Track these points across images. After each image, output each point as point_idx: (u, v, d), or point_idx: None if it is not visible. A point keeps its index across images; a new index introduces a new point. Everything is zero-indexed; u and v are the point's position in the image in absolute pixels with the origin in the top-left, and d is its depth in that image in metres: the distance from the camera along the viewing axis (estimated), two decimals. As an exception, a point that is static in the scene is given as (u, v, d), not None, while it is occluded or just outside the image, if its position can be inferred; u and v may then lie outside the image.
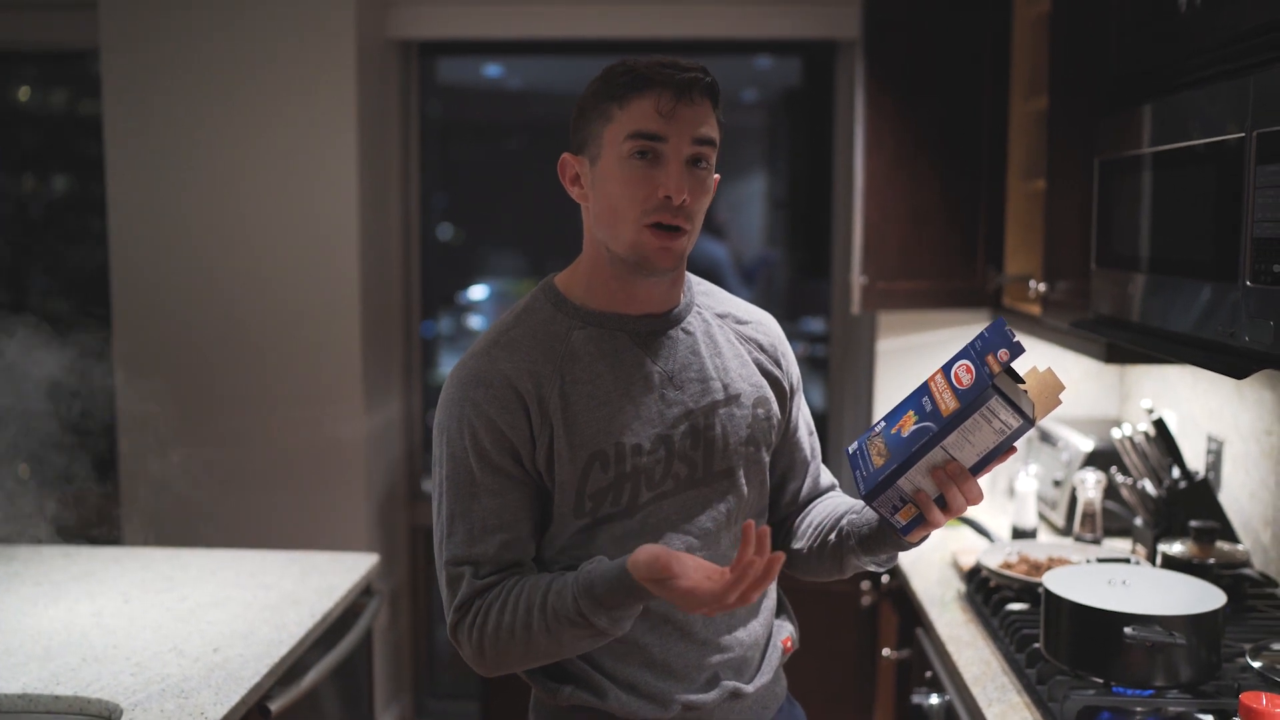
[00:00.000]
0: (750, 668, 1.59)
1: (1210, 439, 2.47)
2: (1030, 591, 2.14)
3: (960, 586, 2.42)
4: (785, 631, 1.66)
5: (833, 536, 1.58)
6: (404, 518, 3.79)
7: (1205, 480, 2.33)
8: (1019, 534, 2.63)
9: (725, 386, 1.55)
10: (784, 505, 1.69)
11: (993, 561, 2.29)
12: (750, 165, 6.83)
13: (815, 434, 1.73)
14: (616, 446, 1.47)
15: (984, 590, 2.28)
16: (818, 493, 1.71)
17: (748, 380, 1.58)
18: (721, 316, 1.62)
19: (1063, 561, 2.27)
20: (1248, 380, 2.30)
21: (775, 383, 1.62)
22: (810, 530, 1.63)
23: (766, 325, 1.67)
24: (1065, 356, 3.13)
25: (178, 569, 2.47)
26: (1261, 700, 1.38)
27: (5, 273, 4.16)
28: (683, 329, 1.56)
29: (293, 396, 3.42)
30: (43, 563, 2.52)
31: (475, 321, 5.93)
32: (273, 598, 2.28)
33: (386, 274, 3.66)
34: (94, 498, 2.82)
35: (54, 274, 4.11)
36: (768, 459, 1.61)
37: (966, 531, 2.81)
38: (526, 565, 1.48)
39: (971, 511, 2.89)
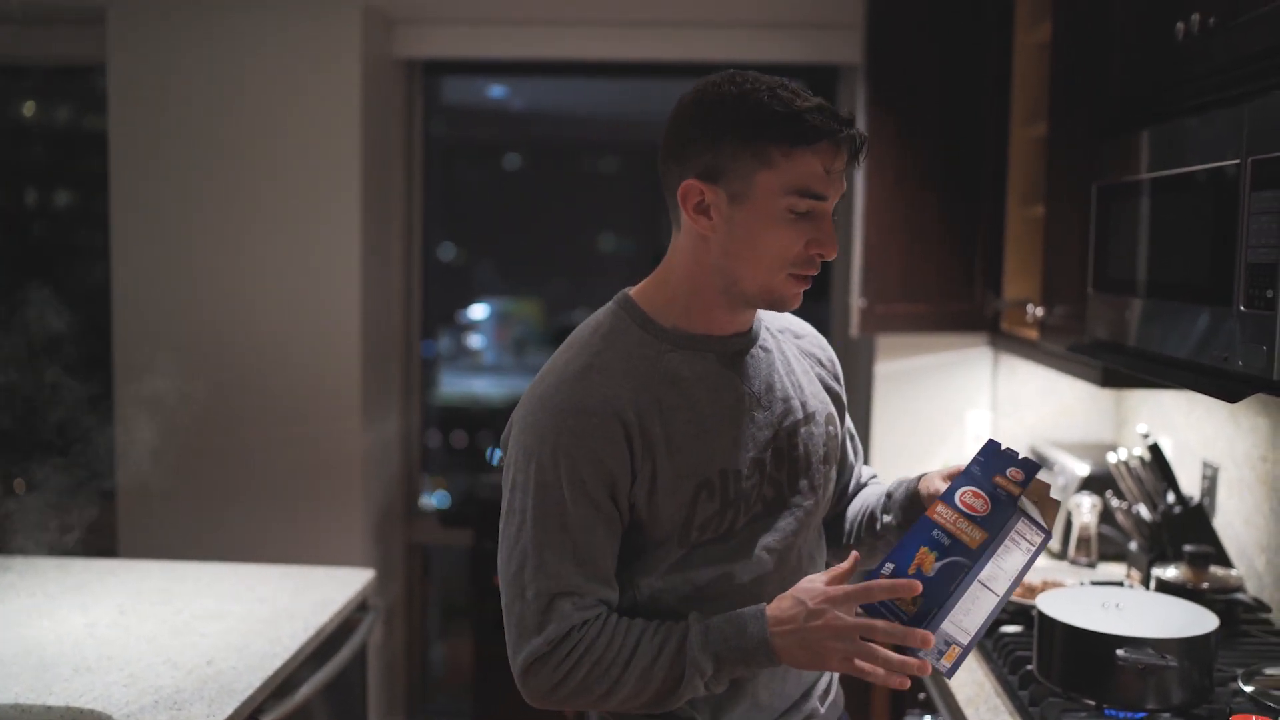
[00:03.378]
0: (823, 687, 1.59)
1: (1205, 464, 2.48)
2: (1024, 614, 2.14)
3: (955, 609, 2.41)
4: None
5: (867, 531, 1.63)
6: (400, 535, 3.79)
7: (1200, 505, 2.33)
8: (1014, 558, 2.63)
9: (803, 405, 1.53)
10: (834, 505, 1.71)
11: (988, 584, 2.29)
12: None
13: (856, 438, 1.75)
14: (721, 474, 1.43)
15: (979, 613, 2.28)
16: (860, 487, 1.74)
17: (817, 397, 1.57)
18: (781, 331, 1.60)
19: (1057, 584, 2.27)
20: (1243, 407, 2.31)
21: (836, 398, 1.61)
22: (851, 524, 1.67)
23: (819, 338, 1.65)
24: (1062, 380, 3.14)
25: (174, 581, 2.47)
26: (1253, 723, 1.39)
27: (6, 287, 4.17)
28: (761, 346, 1.52)
29: (292, 413, 3.43)
30: (37, 574, 2.52)
31: (475, 341, 5.94)
32: (268, 611, 2.28)
33: (387, 293, 3.67)
34: (92, 511, 2.82)
35: (55, 289, 4.12)
36: (835, 476, 1.61)
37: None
38: (612, 602, 1.42)
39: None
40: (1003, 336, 2.96)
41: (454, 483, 4.26)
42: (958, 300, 3.03)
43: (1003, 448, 1.38)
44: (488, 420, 5.87)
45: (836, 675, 1.62)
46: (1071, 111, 2.38)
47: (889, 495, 1.62)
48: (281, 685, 2.04)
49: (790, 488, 1.50)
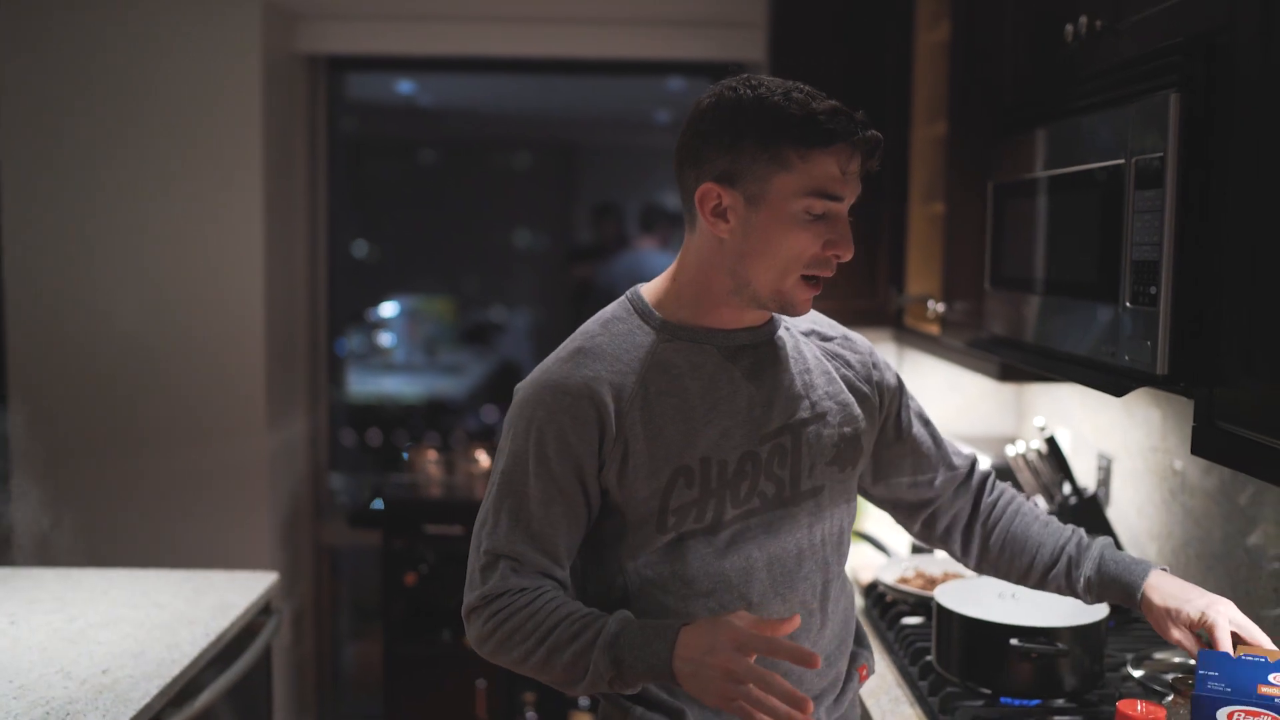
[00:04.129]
0: (831, 696, 1.56)
1: (1100, 456, 2.55)
2: (925, 606, 2.18)
3: (859, 601, 2.45)
4: (862, 659, 1.63)
5: (1054, 571, 1.61)
6: (309, 536, 3.73)
7: (1095, 496, 2.40)
8: (917, 550, 2.67)
9: (813, 404, 1.51)
10: (926, 499, 1.68)
11: (890, 577, 2.33)
12: (662, 185, 6.87)
13: (932, 423, 1.70)
14: (703, 463, 1.44)
15: (881, 605, 2.32)
16: (960, 475, 1.69)
17: (835, 398, 1.54)
18: (807, 334, 1.58)
19: (957, 576, 2.32)
20: (1135, 400, 2.37)
21: (864, 400, 1.57)
22: (1010, 546, 1.64)
23: (854, 341, 1.62)
24: (963, 375, 3.20)
25: (69, 588, 2.41)
26: (1137, 707, 1.42)
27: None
28: (772, 343, 1.52)
29: (195, 413, 3.36)
30: (-75, 583, 2.44)
31: (385, 339, 5.88)
32: (166, 617, 2.23)
33: (293, 291, 3.62)
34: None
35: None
36: (854, 481, 1.58)
37: (866, 547, 2.85)
38: (558, 578, 1.45)
39: (872, 528, 2.93)
40: (906, 332, 3.01)
41: (365, 482, 4.21)
42: (862, 296, 3.07)
43: (1224, 655, 1.36)
44: (402, 418, 5.81)
45: (851, 680, 1.60)
46: (970, 110, 2.43)
47: (1097, 561, 1.59)
48: (181, 692, 1.99)
49: (793, 486, 1.49)
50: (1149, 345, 1.48)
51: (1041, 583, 1.63)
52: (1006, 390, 3.21)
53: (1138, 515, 2.39)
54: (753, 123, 1.38)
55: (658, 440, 1.42)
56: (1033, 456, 2.49)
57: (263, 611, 2.44)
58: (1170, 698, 1.52)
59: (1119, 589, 1.56)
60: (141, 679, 1.93)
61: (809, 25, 3.01)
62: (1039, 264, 1.90)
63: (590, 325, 1.50)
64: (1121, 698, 1.70)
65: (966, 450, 1.76)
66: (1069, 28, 1.78)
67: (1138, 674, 1.81)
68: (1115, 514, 2.47)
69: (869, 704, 1.91)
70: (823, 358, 1.57)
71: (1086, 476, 2.60)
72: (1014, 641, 1.73)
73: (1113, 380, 1.59)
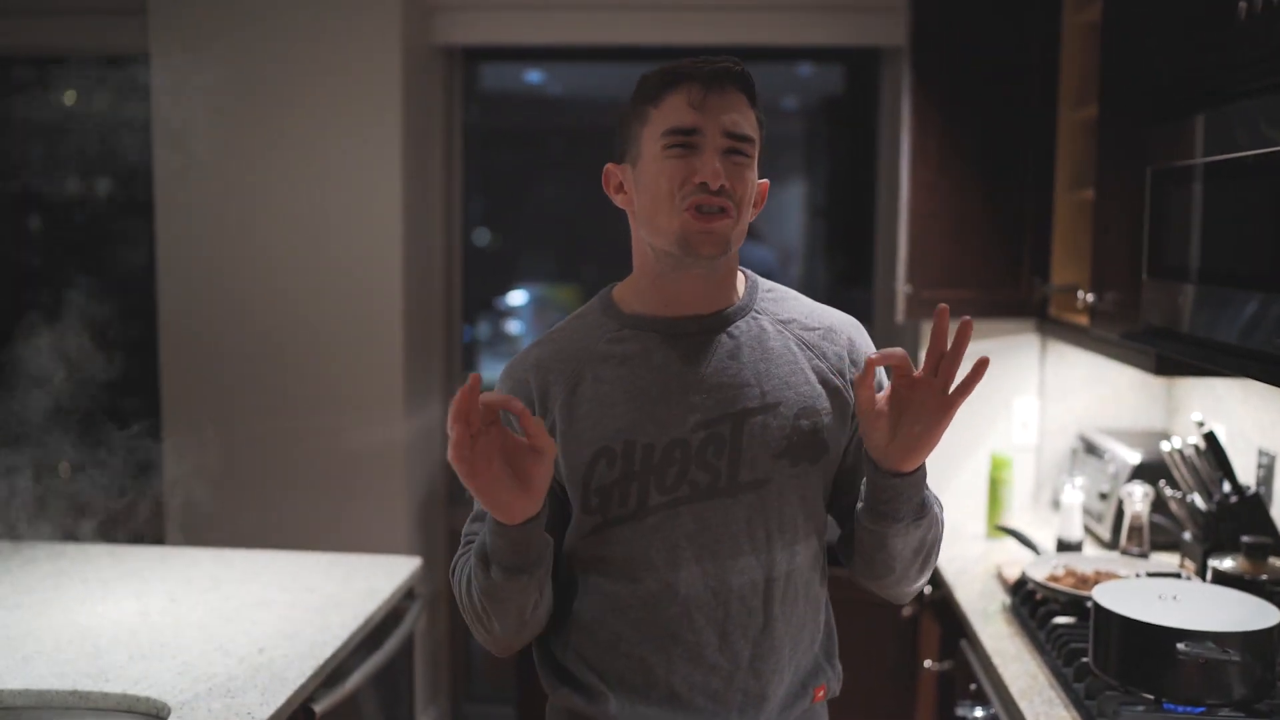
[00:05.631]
0: (766, 706, 1.48)
1: (1261, 453, 2.44)
2: (1077, 605, 2.12)
3: (1005, 599, 2.39)
4: (822, 679, 1.56)
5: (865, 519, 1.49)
6: (443, 522, 3.80)
7: (1257, 495, 2.30)
8: (1064, 547, 2.60)
9: (764, 394, 1.48)
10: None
11: (1039, 574, 2.27)
12: (790, 173, 6.81)
13: None
14: (625, 445, 1.46)
15: (1030, 603, 2.26)
16: None
17: (795, 389, 1.49)
18: (785, 322, 1.55)
19: (1110, 575, 2.24)
20: (1301, 394, 2.27)
21: (835, 394, 1.51)
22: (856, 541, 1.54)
23: (838, 334, 1.56)
24: (1111, 367, 3.10)
25: (222, 568, 2.49)
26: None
27: (52, 276, 4.21)
28: (727, 333, 1.51)
29: (336, 401, 3.44)
30: (89, 561, 2.55)
31: (513, 326, 5.95)
32: (316, 600, 2.29)
33: (428, 279, 3.68)
34: (137, 498, 2.85)
35: (99, 277, 4.16)
36: (819, 475, 1.51)
37: (1011, 543, 2.79)
38: None
39: (1016, 523, 2.86)
40: (1051, 322, 2.92)
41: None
42: (1004, 286, 3.00)
43: None
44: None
45: (804, 698, 1.53)
46: (1122, 94, 2.34)
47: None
48: (332, 674, 2.05)
49: (730, 477, 1.46)
50: (1329, 339, 1.41)
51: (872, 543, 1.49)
52: (1156, 383, 3.10)
53: (1302, 515, 2.29)
54: (630, 100, 1.50)
55: (584, 421, 1.47)
56: (1190, 453, 2.40)
57: (406, 596, 2.49)
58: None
59: (869, 467, 1.46)
60: (296, 659, 1.99)
61: (951, 7, 2.94)
62: (1199, 253, 1.82)
63: (563, 319, 1.60)
64: (1298, 708, 1.63)
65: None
66: (1243, 5, 1.69)
67: (1311, 683, 1.73)
68: (1279, 513, 2.36)
69: (1021, 705, 1.86)
70: (794, 347, 1.53)
71: (1246, 474, 2.49)
72: (1181, 646, 1.66)
73: (1289, 375, 1.52)
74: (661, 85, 1.45)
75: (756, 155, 1.48)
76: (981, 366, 1.39)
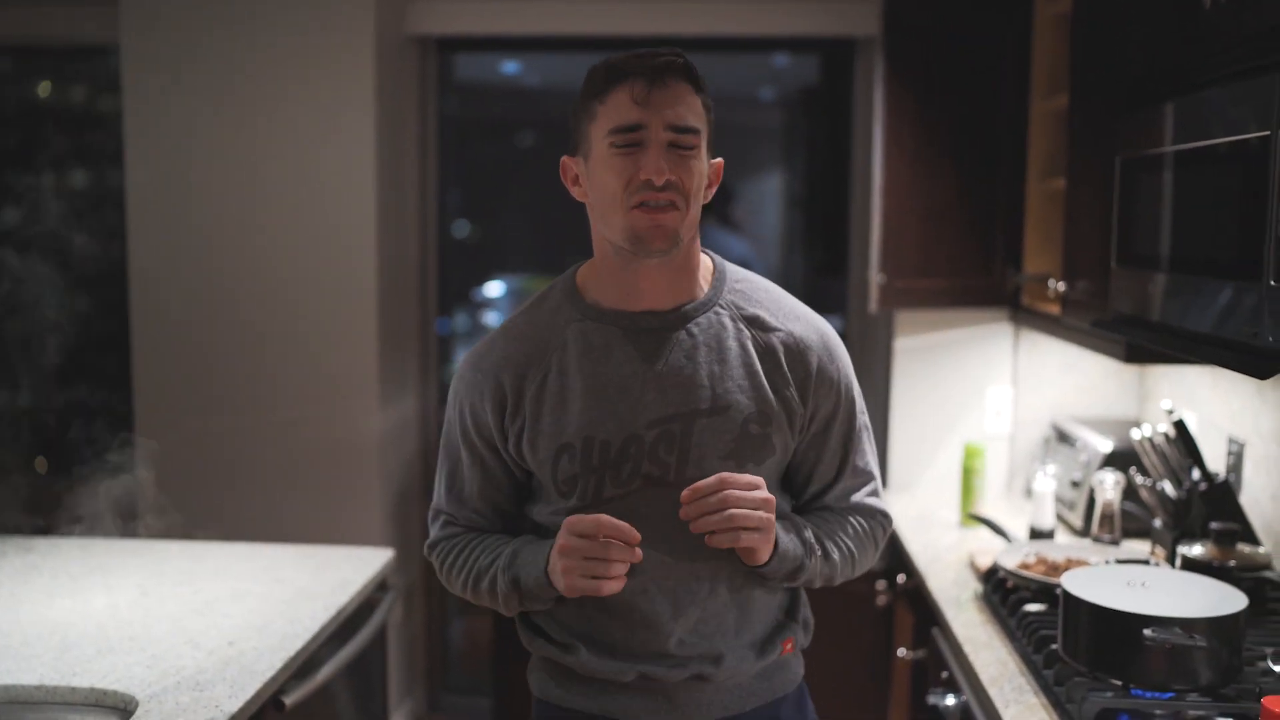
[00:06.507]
0: (723, 663, 1.56)
1: (1231, 440, 2.46)
2: (1048, 592, 2.13)
3: (977, 587, 2.41)
4: (790, 632, 1.63)
5: None
6: (418, 514, 3.79)
7: (1226, 482, 2.31)
8: (1036, 534, 2.61)
9: (714, 396, 1.52)
10: (805, 502, 1.65)
11: (1010, 562, 2.28)
12: (767, 164, 6.81)
13: (864, 452, 1.64)
14: (585, 441, 1.52)
15: (1001, 591, 2.27)
16: (846, 505, 1.65)
17: (746, 393, 1.53)
18: (748, 319, 1.57)
19: (1081, 562, 2.26)
20: (1270, 381, 2.28)
21: (786, 401, 1.55)
22: None
23: (798, 337, 1.57)
24: (1084, 356, 3.12)
25: (193, 562, 2.48)
26: (1284, 703, 1.37)
27: (24, 268, 4.17)
28: (687, 330, 1.54)
29: (310, 393, 3.42)
30: (59, 554, 2.53)
31: (491, 318, 5.93)
32: (288, 592, 2.28)
33: (404, 271, 3.66)
34: (106, 490, 2.83)
35: (71, 268, 4.12)
36: (766, 472, 1.55)
37: (983, 531, 2.80)
38: (485, 528, 1.65)
39: (989, 511, 2.87)
40: (1023, 311, 2.93)
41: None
42: (977, 275, 3.01)
43: None
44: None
45: (774, 649, 1.60)
46: (1093, 84, 2.35)
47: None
48: (303, 666, 2.04)
49: (679, 473, 1.51)
50: (1296, 326, 1.42)
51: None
52: (1129, 372, 3.12)
53: (1271, 502, 2.30)
54: (579, 94, 1.53)
55: (548, 417, 1.53)
56: (1159, 440, 2.41)
57: (379, 588, 2.49)
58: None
59: None
60: (266, 651, 1.98)
61: (924, -1, 2.95)
62: (1169, 241, 1.83)
63: (523, 304, 1.63)
64: (1263, 693, 1.64)
65: (878, 504, 1.67)
66: (1209, -6, 1.70)
67: (1278, 668, 1.74)
68: (1247, 500, 2.38)
69: (991, 692, 1.87)
70: (751, 349, 1.55)
71: (1216, 462, 2.51)
72: (1148, 632, 1.67)
73: (1255, 362, 1.53)
74: (606, 81, 1.47)
75: (704, 143, 1.50)
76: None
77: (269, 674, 1.89)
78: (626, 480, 1.52)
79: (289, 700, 1.95)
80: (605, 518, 1.45)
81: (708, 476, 1.48)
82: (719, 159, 1.55)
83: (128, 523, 3.08)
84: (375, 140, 3.35)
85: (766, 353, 1.56)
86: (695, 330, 1.54)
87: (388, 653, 2.62)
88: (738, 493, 1.44)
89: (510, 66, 5.44)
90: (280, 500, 3.44)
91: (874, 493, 1.66)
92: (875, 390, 3.53)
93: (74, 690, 1.83)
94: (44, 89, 4.09)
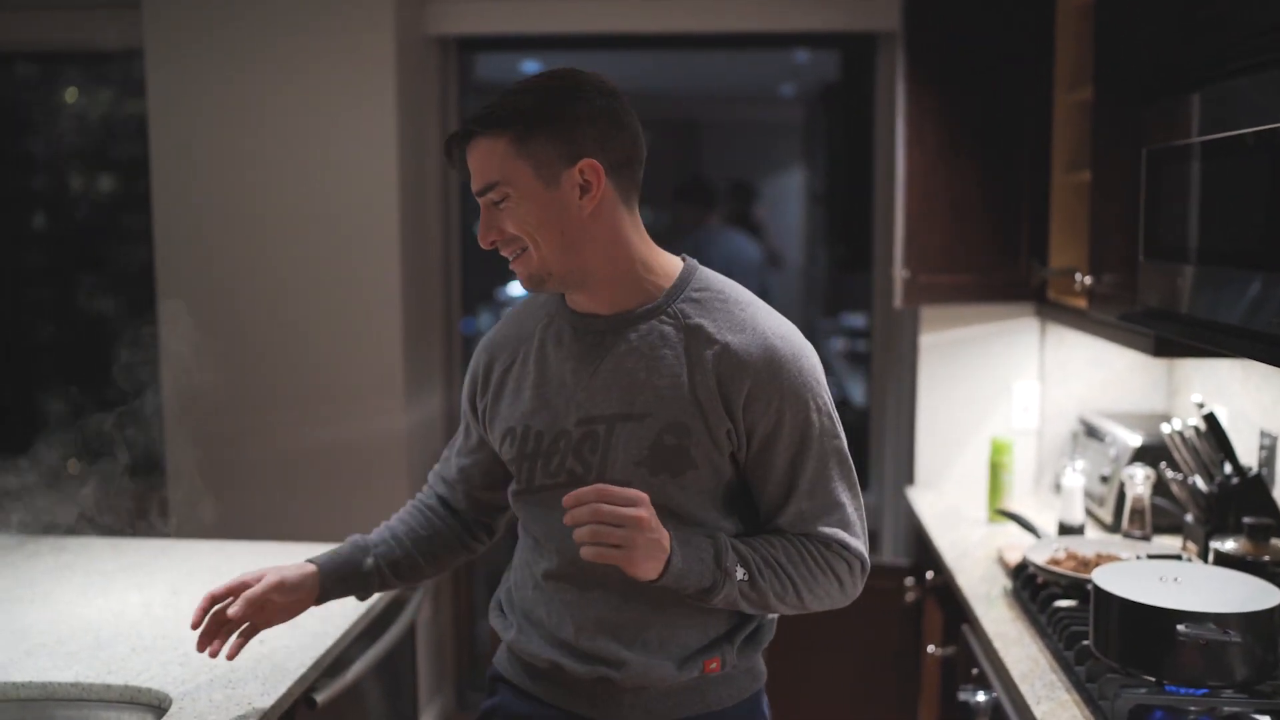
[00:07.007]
0: (626, 669, 1.56)
1: (1263, 434, 2.43)
2: (1078, 588, 2.12)
3: (1006, 583, 2.39)
4: (715, 653, 1.59)
5: None
6: (445, 513, 3.80)
7: (1259, 476, 2.29)
8: (1066, 530, 2.60)
9: (634, 402, 1.53)
10: (762, 525, 1.61)
11: (1039, 558, 2.26)
12: (789, 160, 6.81)
13: (827, 479, 1.55)
14: (524, 429, 1.61)
15: (1031, 586, 2.26)
16: (803, 532, 1.57)
17: (667, 403, 1.51)
18: (692, 329, 1.54)
19: (1111, 558, 2.24)
20: (1301, 374, 2.26)
21: (711, 415, 1.51)
22: None
23: (734, 351, 1.51)
24: (1111, 350, 3.10)
25: (223, 561, 2.49)
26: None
27: (53, 271, 4.22)
28: (626, 336, 1.55)
29: (335, 392, 3.44)
30: (92, 554, 2.56)
31: (514, 317, 5.93)
32: (318, 591, 2.29)
33: (427, 271, 3.68)
34: (141, 492, 2.85)
35: (100, 272, 4.16)
36: (685, 489, 1.52)
37: (1012, 527, 2.79)
38: (446, 497, 1.83)
39: (1016, 507, 2.86)
40: (1049, 306, 2.92)
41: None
42: (1002, 269, 2.99)
43: None
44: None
45: (694, 668, 1.58)
46: (1117, 75, 2.33)
47: None
48: (333, 664, 2.05)
49: (599, 473, 1.55)
50: (1328, 317, 1.41)
51: None
52: (1157, 365, 3.09)
53: (1303, 495, 2.28)
54: None
55: (503, 401, 1.65)
56: (1190, 435, 2.39)
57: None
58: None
59: None
60: (297, 650, 1.99)
61: (946, -8, 2.93)
62: (1196, 234, 1.82)
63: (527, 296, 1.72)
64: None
65: (842, 536, 1.56)
66: (1236, -17, 1.69)
67: (1312, 662, 1.72)
68: None
69: (1022, 689, 1.86)
70: (684, 360, 1.52)
71: (1248, 456, 2.49)
72: (1182, 627, 1.66)
73: (1289, 355, 1.51)
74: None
75: (524, 180, 1.48)
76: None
77: (300, 672, 1.90)
78: (554, 472, 1.59)
79: (320, 698, 1.96)
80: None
81: (619, 479, 1.50)
82: (586, 159, 1.49)
83: (158, 522, 3.11)
84: (397, 141, 3.36)
85: (698, 364, 1.52)
86: (634, 336, 1.55)
87: (417, 651, 2.63)
88: (606, 507, 1.40)
89: (530, 65, 5.45)
90: (309, 500, 3.46)
91: (841, 524, 1.55)
92: (900, 386, 3.52)
93: (109, 688, 1.85)
94: (70, 94, 4.12)
